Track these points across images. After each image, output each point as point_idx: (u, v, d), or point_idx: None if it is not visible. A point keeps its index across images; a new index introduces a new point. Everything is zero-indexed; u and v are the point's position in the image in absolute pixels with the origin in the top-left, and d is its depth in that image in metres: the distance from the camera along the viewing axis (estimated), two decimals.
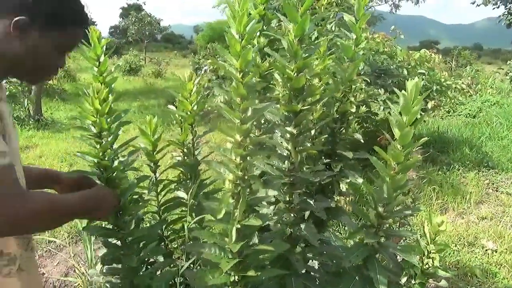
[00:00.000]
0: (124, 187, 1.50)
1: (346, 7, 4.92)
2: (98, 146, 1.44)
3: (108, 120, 1.50)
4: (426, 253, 1.54)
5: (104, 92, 1.45)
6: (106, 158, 1.46)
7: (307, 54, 1.35)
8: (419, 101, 1.30)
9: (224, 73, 6.15)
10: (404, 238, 3.09)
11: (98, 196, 1.14)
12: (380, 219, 1.45)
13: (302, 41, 1.33)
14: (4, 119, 0.88)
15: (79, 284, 2.65)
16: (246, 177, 1.29)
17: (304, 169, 1.51)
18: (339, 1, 4.74)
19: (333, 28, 4.83)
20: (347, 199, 3.30)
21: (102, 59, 1.56)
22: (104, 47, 1.57)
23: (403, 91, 1.33)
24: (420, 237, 1.72)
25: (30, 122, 7.44)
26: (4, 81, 1.08)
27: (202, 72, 9.24)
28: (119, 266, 1.57)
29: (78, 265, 2.78)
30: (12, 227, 0.82)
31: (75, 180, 1.25)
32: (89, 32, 1.49)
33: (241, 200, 1.26)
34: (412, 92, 1.29)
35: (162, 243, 2.01)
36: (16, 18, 0.87)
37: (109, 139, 1.49)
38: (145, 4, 26.15)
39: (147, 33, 27.19)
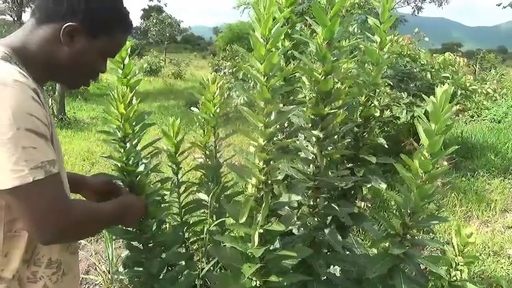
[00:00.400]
0: (147, 192, 1.50)
1: (369, 9, 4.87)
2: (122, 151, 1.45)
3: (133, 123, 1.51)
4: (453, 265, 1.50)
5: (129, 96, 1.46)
6: (130, 162, 1.47)
7: (335, 58, 1.33)
8: (449, 108, 1.27)
9: (245, 75, 6.17)
10: (428, 247, 3.02)
11: (127, 204, 1.14)
12: (405, 228, 1.42)
13: (331, 44, 1.31)
14: (52, 126, 0.88)
15: (100, 282, 2.68)
16: (269, 182, 1.28)
17: (329, 173, 1.49)
18: (361, 4, 4.69)
19: (355, 31, 4.79)
20: (367, 204, 3.27)
21: (126, 61, 1.58)
22: (129, 49, 1.58)
23: (431, 97, 1.30)
24: (445, 246, 1.67)
25: (54, 121, 7.61)
26: None
27: (221, 74, 9.30)
28: (141, 269, 1.57)
29: (99, 263, 2.82)
30: (58, 237, 0.84)
31: (100, 185, 1.25)
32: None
33: (264, 204, 1.25)
34: (441, 99, 1.26)
35: (183, 245, 2.02)
36: (67, 24, 0.89)
37: (133, 142, 1.50)
38: (166, 6, 26.46)
39: (167, 34, 27.52)
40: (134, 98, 1.53)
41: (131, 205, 1.17)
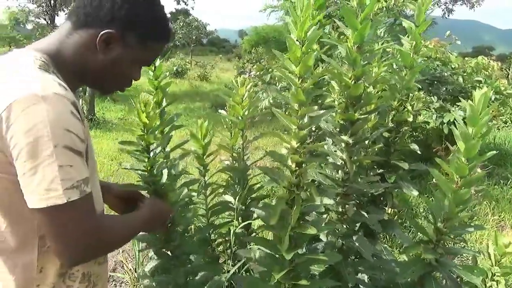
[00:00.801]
0: (174, 200, 1.49)
1: (398, 12, 4.78)
2: (146, 160, 1.42)
3: (161, 125, 1.51)
4: (489, 275, 1.44)
5: (159, 98, 1.46)
6: (154, 171, 1.44)
7: (365, 62, 1.31)
8: (488, 112, 1.23)
9: (272, 78, 6.16)
10: (458, 255, 2.92)
11: (154, 209, 1.11)
12: (439, 235, 1.38)
13: (361, 48, 1.29)
14: (88, 136, 0.86)
15: (126, 280, 2.73)
16: (301, 184, 1.27)
17: (359, 179, 1.46)
18: (390, 7, 4.61)
19: (382, 34, 4.71)
20: (393, 211, 3.19)
21: (157, 63, 1.60)
22: None
23: (469, 101, 1.26)
24: (479, 254, 1.62)
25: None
26: None
27: (247, 76, 9.33)
28: (168, 276, 1.58)
29: (126, 261, 2.87)
30: (84, 259, 0.84)
31: (125, 194, 1.21)
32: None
33: (295, 207, 1.24)
34: (480, 103, 1.22)
35: (209, 247, 2.03)
36: (104, 31, 0.86)
37: (157, 150, 1.45)
38: (193, 9, 26.83)
39: (193, 37, 27.89)
40: (164, 100, 1.54)
41: (158, 209, 1.14)
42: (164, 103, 1.62)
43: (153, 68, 1.60)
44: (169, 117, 1.72)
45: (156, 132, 1.51)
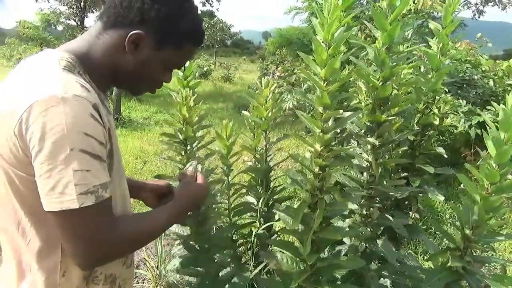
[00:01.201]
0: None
1: (426, 14, 4.69)
2: (183, 153, 1.46)
3: (195, 126, 1.54)
4: None
5: (192, 99, 1.48)
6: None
7: (394, 63, 1.29)
8: None
9: (297, 80, 6.14)
10: (487, 264, 2.83)
11: (182, 199, 1.02)
12: (466, 242, 1.34)
13: (390, 49, 1.27)
14: (113, 137, 0.84)
15: (149, 277, 2.77)
16: (324, 188, 1.26)
17: (384, 182, 1.44)
18: (418, 9, 4.52)
19: (410, 36, 4.62)
20: (418, 216, 3.11)
21: (187, 64, 1.62)
22: None
23: (501, 105, 1.22)
24: (509, 264, 1.56)
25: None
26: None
27: (270, 77, 9.31)
28: (197, 269, 1.59)
29: (149, 258, 2.91)
30: (99, 263, 0.82)
31: (157, 188, 1.17)
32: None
33: (318, 210, 1.24)
34: None
35: (232, 247, 2.04)
36: (133, 32, 0.84)
37: (194, 144, 1.51)
38: (218, 11, 27.04)
39: (218, 38, 28.11)
40: (193, 100, 1.56)
41: (188, 194, 1.05)
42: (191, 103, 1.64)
43: (182, 69, 1.62)
44: (200, 117, 1.74)
45: (193, 128, 1.53)
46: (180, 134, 1.45)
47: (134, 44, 0.85)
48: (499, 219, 2.22)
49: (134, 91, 0.98)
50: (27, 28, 18.00)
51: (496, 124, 1.21)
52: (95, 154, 0.74)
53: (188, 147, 1.47)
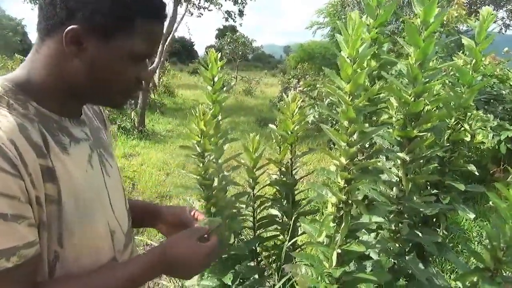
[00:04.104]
0: (222, 205, 1.55)
1: (452, 29, 4.66)
2: (201, 165, 1.51)
3: (215, 136, 1.59)
4: None
5: (215, 110, 1.53)
6: (207, 177, 1.53)
7: (427, 79, 1.30)
8: None
9: (319, 94, 6.16)
10: None
11: (171, 256, 0.81)
12: (497, 263, 1.31)
13: (423, 65, 1.28)
14: (71, 176, 0.70)
15: None
16: (349, 201, 1.26)
17: (414, 198, 1.43)
18: (445, 23, 4.50)
19: (438, 51, 4.58)
20: (445, 233, 3.04)
21: (216, 78, 1.67)
22: (219, 67, 1.68)
23: None
24: None
25: (135, 132, 8.19)
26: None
27: (292, 91, 9.36)
28: (216, 281, 1.62)
29: None
30: None
31: (171, 218, 0.99)
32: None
33: (343, 224, 1.24)
34: None
35: (255, 259, 2.05)
36: (67, 30, 0.66)
37: (211, 157, 1.56)
38: (241, 26, 27.46)
39: (240, 53, 28.49)
40: (220, 114, 1.61)
41: (180, 256, 0.81)
42: (219, 117, 1.68)
43: (212, 83, 1.68)
44: (225, 131, 1.78)
45: (211, 141, 1.59)
46: (198, 147, 1.49)
47: (74, 44, 0.68)
48: None
49: (109, 102, 0.79)
50: None
51: None
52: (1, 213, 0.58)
53: (206, 159, 1.52)
